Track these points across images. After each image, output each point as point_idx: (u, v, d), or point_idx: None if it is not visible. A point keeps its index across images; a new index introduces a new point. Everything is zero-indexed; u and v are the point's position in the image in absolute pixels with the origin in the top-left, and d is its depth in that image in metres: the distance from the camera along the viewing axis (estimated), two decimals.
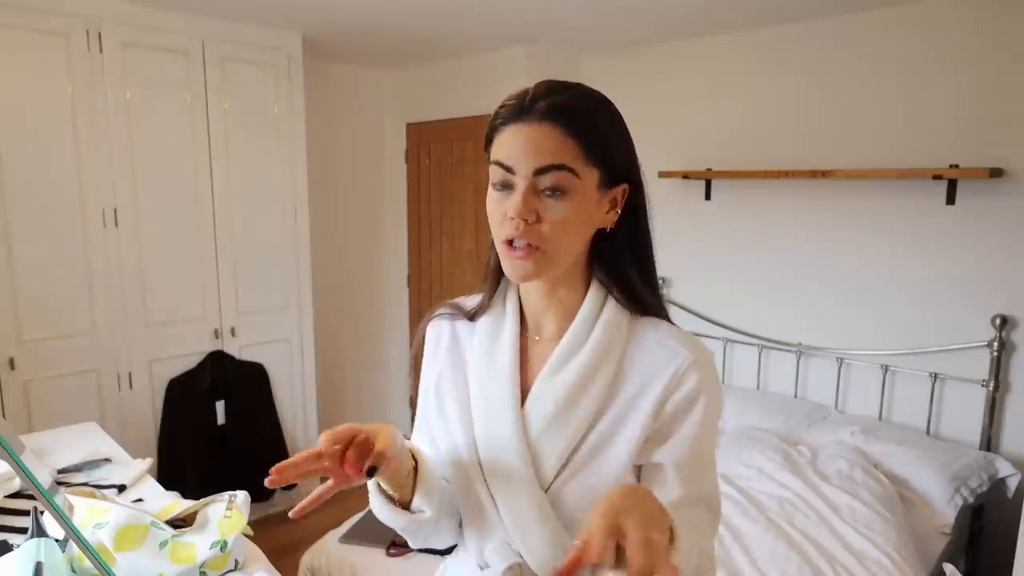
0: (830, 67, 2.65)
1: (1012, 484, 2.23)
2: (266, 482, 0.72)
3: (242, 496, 1.29)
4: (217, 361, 2.95)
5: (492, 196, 0.78)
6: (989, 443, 2.35)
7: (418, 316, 4.16)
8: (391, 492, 0.83)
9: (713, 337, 3.09)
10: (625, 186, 0.81)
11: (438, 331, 0.94)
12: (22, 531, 1.26)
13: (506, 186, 0.77)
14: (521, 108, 0.76)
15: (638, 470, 0.80)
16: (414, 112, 3.94)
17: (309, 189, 3.19)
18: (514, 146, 0.75)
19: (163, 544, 1.18)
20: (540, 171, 0.74)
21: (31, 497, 1.45)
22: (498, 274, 0.87)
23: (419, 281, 4.14)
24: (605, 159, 0.77)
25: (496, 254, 0.82)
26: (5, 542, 1.26)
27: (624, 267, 0.83)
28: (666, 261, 3.32)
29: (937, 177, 2.32)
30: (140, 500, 1.47)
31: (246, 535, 1.27)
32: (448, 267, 3.90)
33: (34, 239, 2.46)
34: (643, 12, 2.64)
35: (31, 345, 2.49)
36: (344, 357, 4.01)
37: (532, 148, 0.74)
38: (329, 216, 3.80)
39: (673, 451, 0.77)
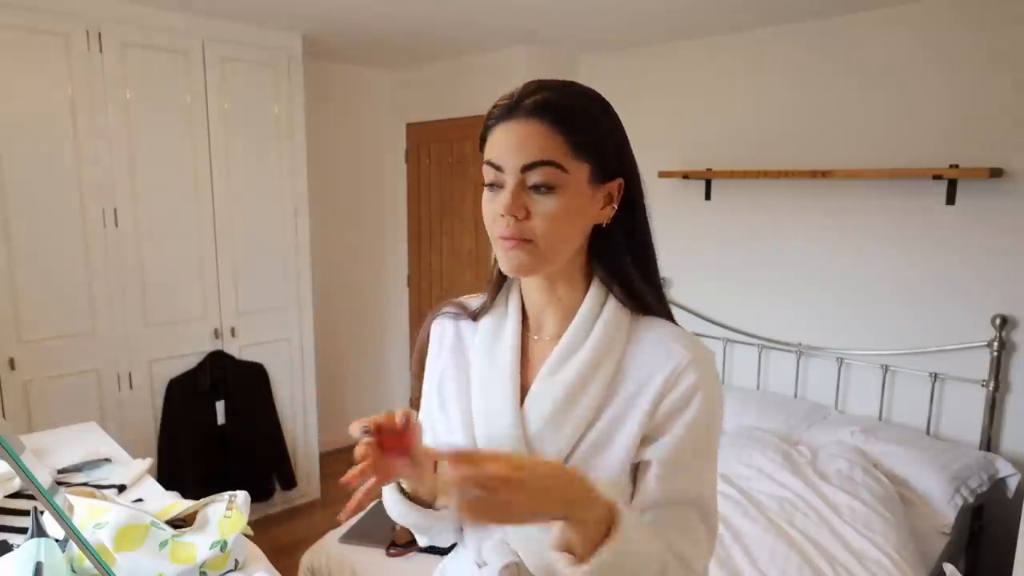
0: (831, 67, 2.65)
1: (1012, 484, 2.24)
2: (342, 516, 0.73)
3: (242, 496, 1.29)
4: (217, 361, 2.95)
5: (485, 196, 0.79)
6: (989, 443, 2.35)
7: (418, 316, 4.16)
8: (408, 488, 0.86)
9: (713, 337, 3.10)
10: (620, 181, 0.81)
11: (442, 330, 0.95)
12: (22, 531, 1.26)
13: (497, 185, 0.77)
14: (510, 107, 0.77)
15: (636, 469, 0.80)
16: (414, 112, 3.94)
17: (309, 189, 3.19)
18: (502, 145, 0.76)
19: (163, 544, 1.18)
20: (527, 167, 0.75)
21: (31, 497, 1.45)
22: (501, 274, 0.88)
23: (419, 281, 4.14)
24: (595, 153, 0.77)
25: None
26: (5, 542, 1.26)
27: (623, 265, 0.82)
28: (666, 261, 3.30)
29: (937, 177, 2.32)
30: (140, 500, 1.47)
31: (246, 535, 1.27)
32: (448, 267, 3.90)
33: (34, 239, 2.46)
34: (643, 12, 2.64)
35: (31, 345, 2.49)
36: (344, 357, 4.01)
37: (519, 145, 0.75)
38: (329, 216, 3.80)
39: (660, 450, 0.76)
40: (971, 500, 2.16)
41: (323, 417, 3.49)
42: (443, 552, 1.01)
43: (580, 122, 0.76)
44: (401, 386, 4.29)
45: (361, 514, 2.26)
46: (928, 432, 2.50)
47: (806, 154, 2.73)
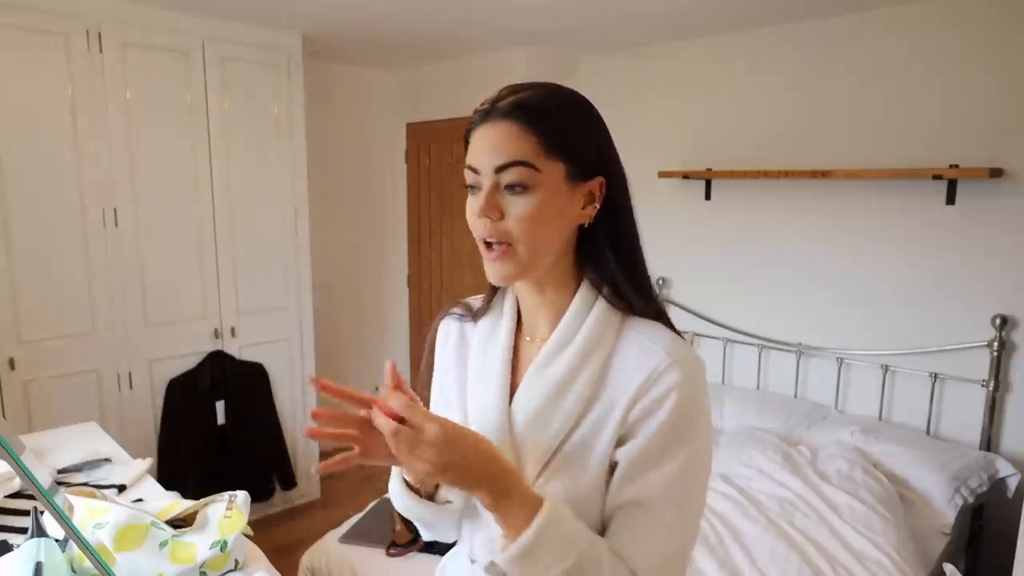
0: (831, 67, 2.65)
1: (1012, 484, 2.23)
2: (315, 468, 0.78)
3: (242, 496, 1.29)
4: (217, 361, 2.95)
5: (468, 200, 0.81)
6: (989, 443, 2.35)
7: (418, 316, 4.17)
8: (414, 482, 0.87)
9: (713, 337, 3.10)
10: (601, 179, 0.81)
11: (447, 330, 0.97)
12: (22, 531, 1.26)
13: (476, 187, 0.79)
14: (487, 111, 0.78)
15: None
16: (414, 112, 3.94)
17: (309, 189, 3.19)
18: (478, 148, 0.78)
19: (163, 544, 1.18)
20: (501, 168, 0.76)
21: (31, 497, 1.45)
22: None
23: (419, 281, 4.14)
24: (570, 152, 0.77)
25: None
26: (5, 542, 1.27)
27: (607, 265, 0.82)
28: (666, 261, 3.34)
29: (937, 177, 2.32)
30: (140, 500, 1.47)
31: (246, 535, 1.27)
32: (448, 267, 3.90)
33: (34, 239, 2.46)
34: (643, 12, 2.64)
35: (31, 345, 2.49)
36: (344, 357, 4.01)
37: (493, 147, 0.76)
38: (329, 216, 3.80)
39: (628, 451, 0.76)
40: (971, 500, 2.16)
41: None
42: (442, 552, 1.02)
43: (553, 121, 0.77)
44: None
45: (361, 514, 2.26)
46: (928, 432, 2.49)
47: (806, 154, 2.73)
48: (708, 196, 3.07)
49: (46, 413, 2.51)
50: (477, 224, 0.78)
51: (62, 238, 2.52)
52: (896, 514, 2.05)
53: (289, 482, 3.20)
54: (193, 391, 2.89)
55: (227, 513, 1.24)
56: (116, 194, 2.62)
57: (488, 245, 0.78)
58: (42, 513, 1.11)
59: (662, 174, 3.09)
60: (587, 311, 0.82)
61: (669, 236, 3.23)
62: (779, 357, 2.91)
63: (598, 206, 0.81)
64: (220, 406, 2.96)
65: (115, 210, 2.62)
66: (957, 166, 2.29)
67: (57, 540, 1.08)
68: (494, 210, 0.76)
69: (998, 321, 2.29)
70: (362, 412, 0.77)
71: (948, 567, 1.69)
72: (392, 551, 2.03)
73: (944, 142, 2.39)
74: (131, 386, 2.75)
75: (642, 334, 0.80)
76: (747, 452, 2.39)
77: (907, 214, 2.50)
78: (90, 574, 1.10)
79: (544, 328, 0.85)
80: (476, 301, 0.96)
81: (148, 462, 1.72)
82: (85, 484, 1.53)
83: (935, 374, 2.46)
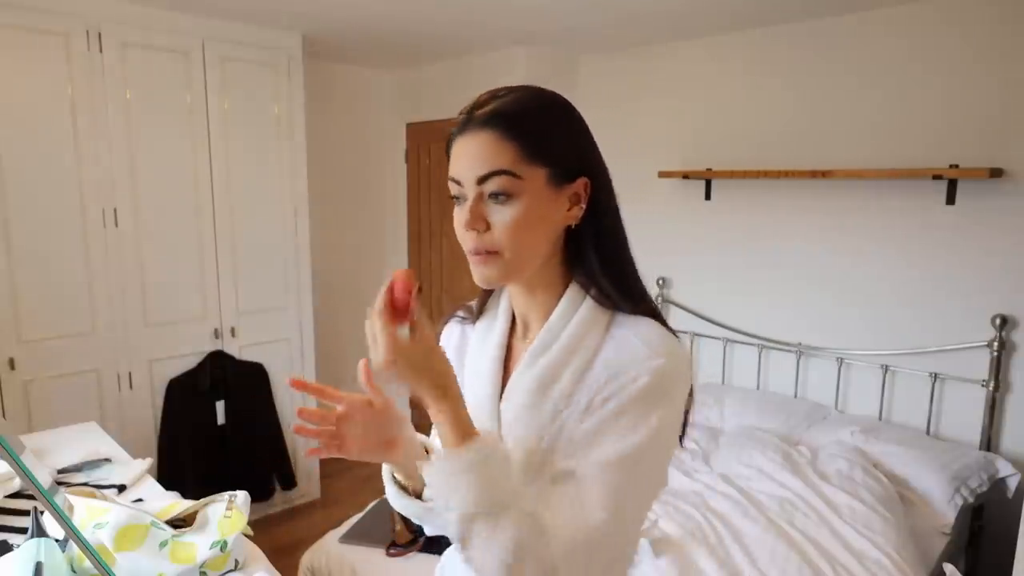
0: (831, 67, 2.65)
1: (1012, 484, 2.23)
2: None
3: (242, 496, 1.29)
4: (217, 361, 2.95)
5: (455, 211, 0.81)
6: (989, 443, 2.35)
7: None
8: (404, 482, 0.89)
9: (713, 337, 3.10)
10: (585, 180, 0.81)
11: (450, 332, 0.98)
12: (22, 531, 1.26)
13: (461, 198, 0.79)
14: (464, 121, 0.78)
15: None
16: (414, 112, 3.94)
17: (309, 189, 3.19)
18: (459, 159, 0.78)
19: (163, 544, 1.18)
20: (482, 179, 0.76)
21: (31, 497, 1.45)
22: None
23: (419, 281, 4.13)
24: (550, 156, 0.77)
25: None
26: (5, 542, 1.27)
27: (593, 266, 0.82)
28: (666, 261, 3.34)
29: (937, 177, 2.32)
30: (140, 500, 1.47)
31: (246, 535, 1.27)
32: (448, 267, 3.90)
33: (34, 239, 2.46)
34: (643, 12, 2.64)
35: (31, 345, 2.49)
36: (344, 357, 4.01)
37: (473, 158, 0.77)
38: (329, 216, 3.80)
39: (583, 427, 0.76)
40: (971, 500, 2.16)
41: None
42: (442, 552, 1.03)
43: (532, 127, 0.77)
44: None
45: (361, 514, 2.26)
46: (928, 432, 2.49)
47: (806, 154, 2.73)
48: (708, 196, 3.07)
49: (46, 413, 2.51)
50: (466, 237, 0.79)
51: (62, 238, 2.52)
52: (896, 514, 2.05)
53: (289, 482, 3.20)
54: (193, 391, 2.89)
55: (227, 513, 1.24)
56: (116, 194, 2.62)
57: (475, 252, 0.79)
58: (42, 513, 1.11)
59: (662, 174, 3.09)
60: (573, 311, 0.82)
61: (669, 236, 3.23)
62: (779, 357, 2.91)
63: (584, 207, 0.81)
64: (220, 406, 2.96)
65: (115, 210, 2.62)
66: (957, 166, 2.29)
67: (57, 540, 1.08)
68: (480, 221, 0.77)
69: (998, 321, 2.29)
70: (338, 408, 0.83)
71: (948, 567, 1.69)
72: (392, 551, 2.03)
73: (944, 142, 2.39)
74: (131, 386, 2.75)
75: (628, 332, 0.80)
76: (747, 452, 2.39)
77: (907, 214, 2.50)
78: (90, 574, 1.10)
79: (536, 328, 0.86)
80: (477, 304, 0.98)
81: (148, 462, 1.72)
82: (85, 484, 1.53)
83: (935, 374, 2.46)
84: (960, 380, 2.41)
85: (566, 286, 0.84)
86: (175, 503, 1.31)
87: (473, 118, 0.77)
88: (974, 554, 2.39)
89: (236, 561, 1.23)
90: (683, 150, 3.13)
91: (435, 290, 4.01)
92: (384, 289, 0.74)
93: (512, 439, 0.80)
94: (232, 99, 2.88)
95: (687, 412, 0.83)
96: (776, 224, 2.87)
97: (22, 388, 2.48)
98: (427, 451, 0.90)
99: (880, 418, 2.60)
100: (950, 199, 2.37)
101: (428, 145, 3.91)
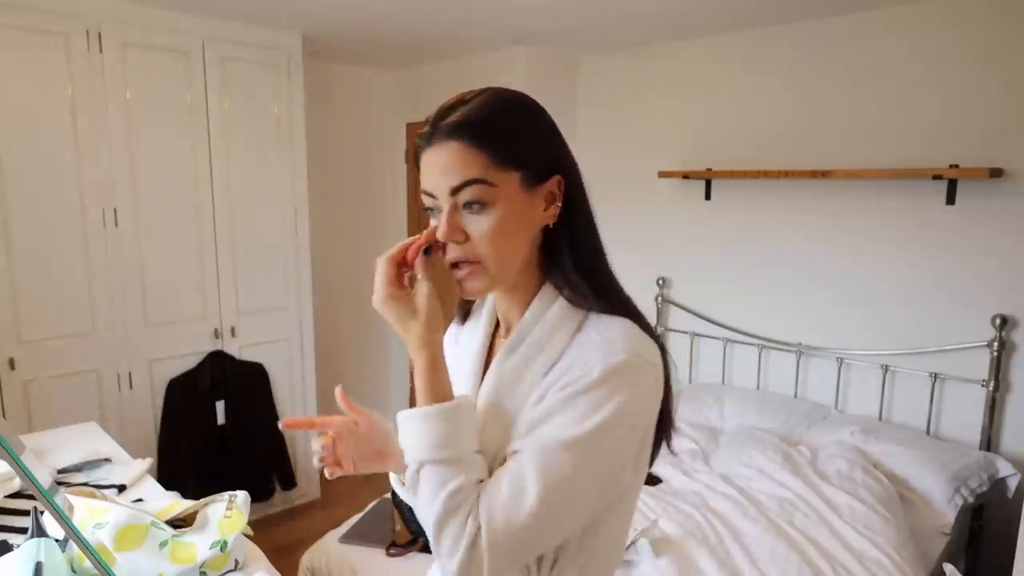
0: (831, 67, 2.65)
1: (1012, 484, 2.24)
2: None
3: (242, 496, 1.29)
4: (217, 361, 2.95)
5: (430, 222, 0.81)
6: (989, 443, 2.35)
7: None
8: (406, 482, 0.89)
9: (713, 337, 3.10)
10: (559, 178, 0.81)
11: (447, 333, 0.99)
12: (22, 531, 1.26)
13: (436, 210, 0.79)
14: (430, 132, 0.78)
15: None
16: (414, 112, 3.94)
17: (309, 189, 3.19)
18: (429, 172, 0.78)
19: (163, 544, 1.18)
20: (455, 190, 0.76)
21: (31, 497, 1.45)
22: None
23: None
24: (521, 158, 0.77)
25: None
26: (5, 542, 1.27)
27: (564, 265, 0.82)
28: (666, 261, 3.34)
29: (937, 177, 2.32)
30: (140, 500, 1.47)
31: (246, 535, 1.27)
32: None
33: (34, 239, 2.46)
34: (643, 12, 2.64)
35: (31, 345, 2.49)
36: (344, 357, 4.01)
37: (444, 169, 0.76)
38: (329, 216, 3.80)
39: (531, 413, 0.76)
40: (971, 500, 2.16)
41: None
42: None
43: (498, 131, 0.76)
44: (401, 386, 4.29)
45: (361, 514, 2.26)
46: (928, 432, 2.50)
47: (806, 154, 2.73)
48: (708, 196, 3.07)
49: (46, 413, 2.51)
50: (447, 249, 0.80)
51: (62, 238, 2.52)
52: (896, 514, 2.05)
53: (289, 482, 3.20)
54: (193, 391, 2.89)
55: (227, 513, 1.24)
56: (116, 194, 2.62)
57: (456, 264, 0.79)
58: (42, 513, 1.11)
59: (662, 174, 3.09)
60: (544, 312, 0.82)
61: (669, 236, 3.23)
62: (779, 357, 2.91)
63: (560, 205, 0.81)
64: (220, 406, 2.96)
65: (115, 210, 2.62)
66: (957, 166, 2.29)
67: (57, 540, 1.08)
68: (457, 232, 0.77)
69: (998, 321, 2.29)
70: (330, 432, 0.93)
71: (948, 567, 1.69)
72: (392, 551, 2.03)
73: (943, 142, 2.39)
74: (131, 386, 2.75)
75: (597, 331, 0.78)
76: (747, 452, 2.39)
77: (907, 214, 2.50)
78: (90, 574, 1.10)
79: (516, 328, 0.87)
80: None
81: (148, 462, 1.72)
82: (85, 484, 1.53)
83: (935, 374, 2.46)
84: (960, 380, 2.41)
85: (540, 285, 0.84)
86: (175, 503, 1.31)
87: (438, 128, 0.76)
88: (974, 554, 2.39)
89: (236, 561, 1.23)
90: (683, 150, 3.13)
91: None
92: (404, 243, 0.80)
93: (485, 436, 0.80)
94: (232, 99, 2.88)
95: (669, 415, 0.82)
96: (776, 224, 2.87)
97: (22, 388, 2.48)
98: None
99: (880, 418, 2.60)
100: (950, 199, 2.37)
101: None
